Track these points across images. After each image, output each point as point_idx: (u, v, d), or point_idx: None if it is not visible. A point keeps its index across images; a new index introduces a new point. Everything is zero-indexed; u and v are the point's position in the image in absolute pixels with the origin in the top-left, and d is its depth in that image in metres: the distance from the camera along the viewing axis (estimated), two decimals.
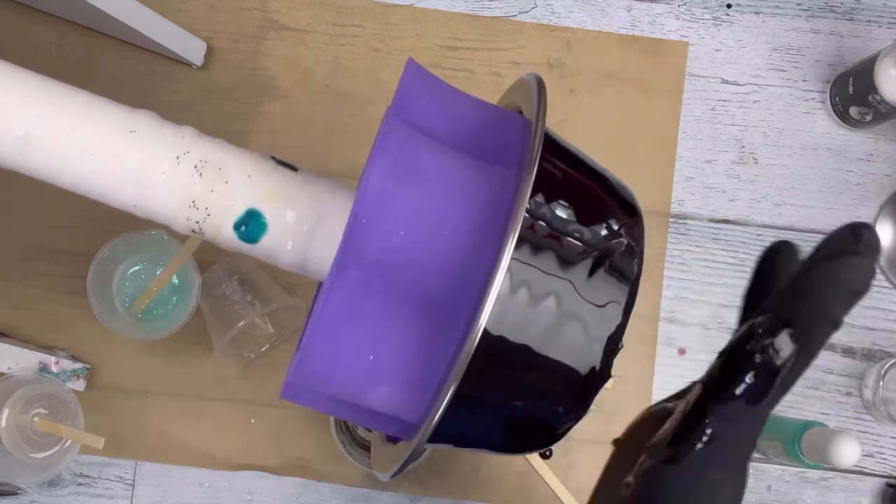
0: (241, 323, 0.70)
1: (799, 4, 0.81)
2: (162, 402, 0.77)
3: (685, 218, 0.79)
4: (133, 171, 0.36)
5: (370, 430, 0.68)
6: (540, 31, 0.80)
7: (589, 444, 0.76)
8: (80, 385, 0.76)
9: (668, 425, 0.33)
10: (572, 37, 0.80)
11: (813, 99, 0.80)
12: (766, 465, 0.78)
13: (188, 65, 0.78)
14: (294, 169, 0.39)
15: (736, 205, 0.80)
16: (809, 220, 0.80)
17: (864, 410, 0.78)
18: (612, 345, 0.34)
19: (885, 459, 0.78)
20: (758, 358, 0.31)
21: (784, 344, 0.31)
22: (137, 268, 0.75)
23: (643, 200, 0.38)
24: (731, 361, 0.32)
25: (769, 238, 0.79)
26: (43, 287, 0.77)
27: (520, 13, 0.80)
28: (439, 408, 0.32)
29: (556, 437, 0.37)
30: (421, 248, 0.33)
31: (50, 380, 0.73)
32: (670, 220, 0.79)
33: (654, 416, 0.35)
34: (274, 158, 0.39)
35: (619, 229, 0.35)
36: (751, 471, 0.81)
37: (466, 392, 0.32)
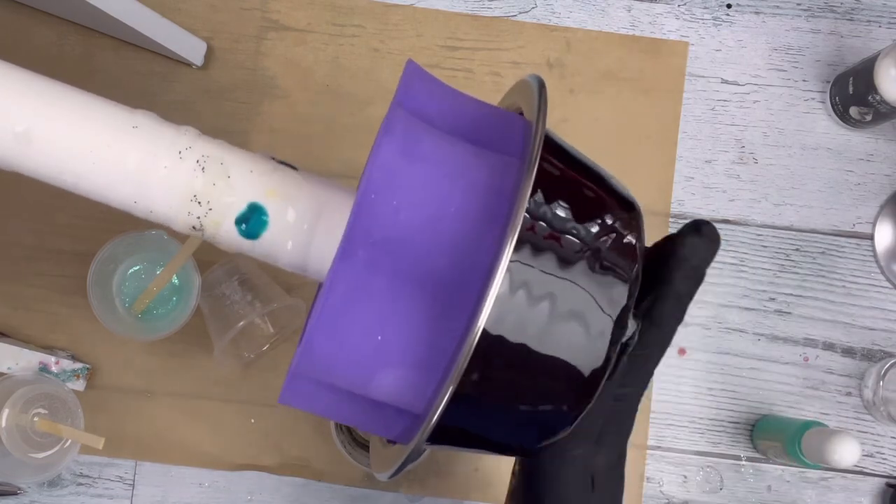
0: (241, 323, 0.70)
1: (799, 4, 0.81)
2: (162, 402, 0.77)
3: (685, 218, 0.79)
4: (134, 166, 0.36)
5: None
6: (540, 31, 0.80)
7: None
8: (80, 385, 0.76)
9: None
10: (572, 37, 0.80)
11: (813, 99, 0.80)
12: (766, 465, 0.78)
13: (188, 65, 0.78)
14: (294, 168, 0.39)
15: (736, 205, 0.80)
16: (809, 220, 0.80)
17: (864, 410, 0.78)
18: (615, 344, 0.34)
19: (885, 459, 0.78)
20: None
21: (629, 322, 0.35)
22: (137, 268, 0.75)
23: (643, 200, 0.38)
24: None
25: (769, 238, 0.79)
26: (43, 287, 0.77)
27: (520, 13, 0.80)
28: (438, 408, 0.32)
29: (557, 437, 0.37)
30: (428, 226, 0.34)
31: (50, 380, 0.73)
32: (670, 220, 0.79)
33: None
34: (274, 158, 0.39)
35: (618, 229, 0.35)
36: (751, 471, 0.81)
37: (465, 392, 0.32)
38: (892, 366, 0.75)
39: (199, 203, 0.37)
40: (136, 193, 0.37)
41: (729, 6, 0.81)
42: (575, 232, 0.34)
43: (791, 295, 0.79)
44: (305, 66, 0.79)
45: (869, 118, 0.76)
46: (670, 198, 0.79)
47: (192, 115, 0.78)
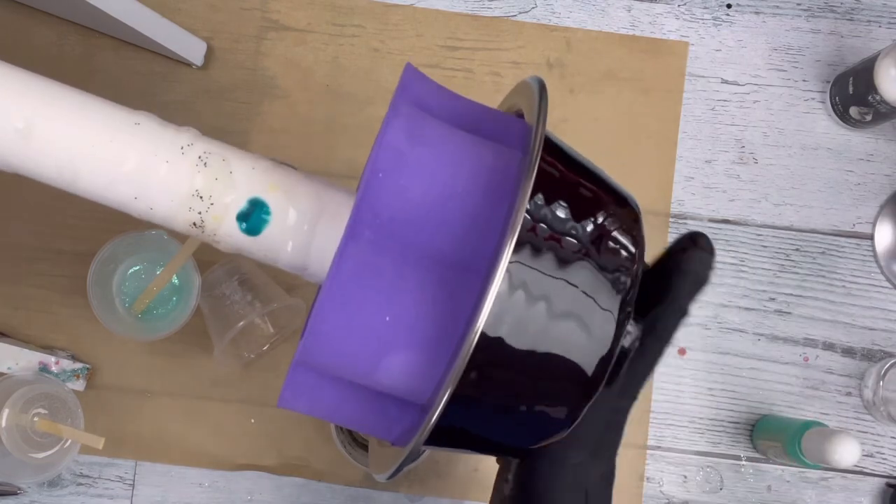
0: (241, 323, 0.70)
1: (799, 4, 0.81)
2: (162, 402, 0.77)
3: (685, 218, 0.80)
4: (135, 162, 0.36)
5: None
6: (540, 31, 0.80)
7: None
8: (80, 385, 0.76)
9: None
10: (572, 37, 0.80)
11: (813, 99, 0.80)
12: (766, 465, 0.78)
13: (188, 65, 0.78)
14: (294, 168, 0.39)
15: (736, 205, 0.80)
16: (809, 220, 0.80)
17: (864, 410, 0.78)
18: (615, 344, 0.34)
19: (885, 459, 0.78)
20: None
21: (630, 334, 0.35)
22: (137, 268, 0.75)
23: (643, 200, 0.38)
24: None
25: (769, 238, 0.79)
26: (43, 287, 0.77)
27: (520, 13, 0.80)
28: (437, 408, 0.32)
29: (556, 437, 0.37)
30: (435, 206, 0.34)
31: (50, 380, 0.73)
32: (670, 220, 0.79)
33: None
34: (274, 160, 0.39)
35: (618, 229, 0.35)
36: (751, 471, 0.81)
37: (465, 393, 0.32)
38: (892, 366, 0.75)
39: (201, 198, 0.37)
40: (137, 189, 0.37)
41: (729, 6, 0.81)
42: (575, 233, 0.34)
43: (791, 295, 0.79)
44: (305, 66, 0.79)
45: (869, 118, 0.76)
46: (670, 198, 0.79)
47: (192, 115, 0.78)
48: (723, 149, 0.80)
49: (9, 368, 0.74)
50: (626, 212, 0.36)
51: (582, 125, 0.80)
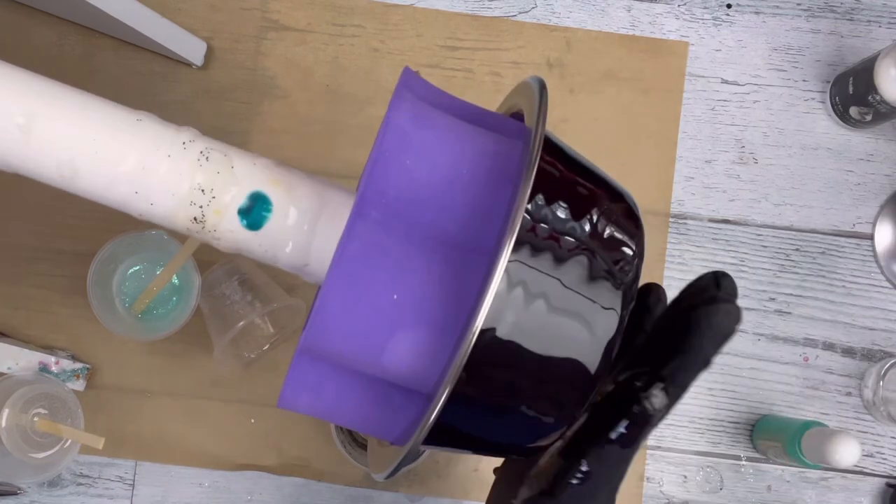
0: (241, 323, 0.70)
1: (799, 4, 0.81)
2: (162, 402, 0.77)
3: (685, 218, 0.80)
4: (136, 158, 0.36)
5: None
6: (540, 31, 0.80)
7: None
8: (80, 385, 0.76)
9: (548, 459, 0.37)
10: (572, 37, 0.80)
11: (813, 99, 0.80)
12: (766, 465, 0.78)
13: (188, 65, 0.78)
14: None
15: (736, 205, 0.80)
16: (809, 220, 0.80)
17: (864, 410, 0.78)
18: (612, 345, 0.34)
19: (885, 459, 0.78)
20: (635, 409, 0.34)
21: (658, 398, 0.35)
22: (137, 268, 0.75)
23: (643, 200, 0.39)
24: (610, 408, 0.35)
25: (769, 238, 0.79)
26: (43, 287, 0.77)
27: (520, 13, 0.80)
28: (435, 408, 0.32)
29: (554, 437, 0.37)
30: (439, 187, 0.34)
31: (50, 380, 0.73)
32: (670, 220, 0.79)
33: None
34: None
35: (617, 229, 0.35)
36: (751, 471, 0.81)
37: (463, 391, 0.32)
38: (892, 366, 0.75)
39: (203, 191, 0.37)
40: (138, 184, 0.36)
41: (729, 6, 0.81)
42: (574, 233, 0.34)
43: (791, 295, 0.79)
44: (305, 66, 0.79)
45: (869, 118, 0.76)
46: (670, 198, 0.79)
47: (192, 115, 0.78)
48: (723, 149, 0.80)
49: (9, 368, 0.74)
50: (625, 209, 0.36)
51: (582, 125, 0.80)
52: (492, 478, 0.42)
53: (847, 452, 0.66)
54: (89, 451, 0.76)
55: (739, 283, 0.79)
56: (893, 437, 0.78)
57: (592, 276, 0.34)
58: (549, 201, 0.34)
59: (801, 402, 0.79)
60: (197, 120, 0.78)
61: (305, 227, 0.37)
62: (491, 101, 0.42)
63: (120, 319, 0.73)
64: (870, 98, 0.73)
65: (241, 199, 0.37)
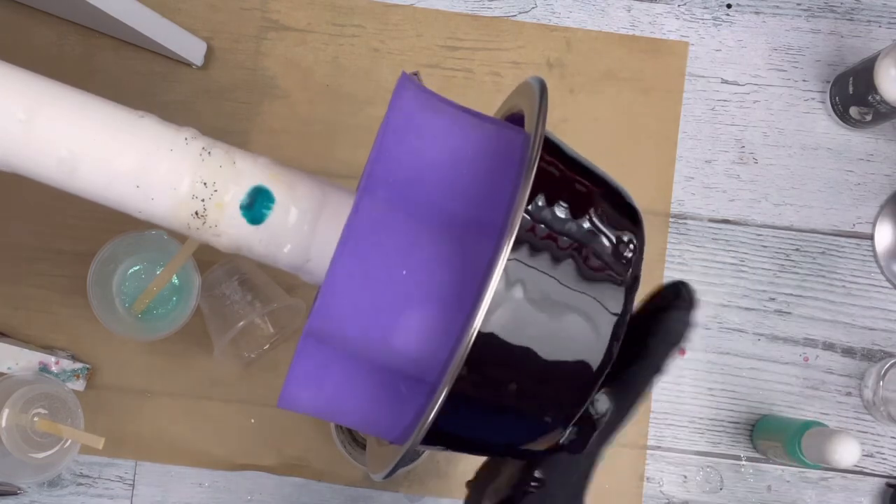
0: (241, 323, 0.70)
1: (799, 4, 0.81)
2: (162, 402, 0.77)
3: (685, 218, 0.80)
4: (137, 154, 0.36)
5: None
6: (540, 31, 0.80)
7: None
8: (80, 385, 0.76)
9: (507, 470, 0.39)
10: (572, 37, 0.80)
11: (813, 99, 0.80)
12: (766, 465, 0.78)
13: (188, 65, 0.78)
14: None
15: (736, 205, 0.80)
16: (809, 220, 0.80)
17: (864, 410, 0.78)
18: (615, 342, 0.34)
19: (885, 459, 0.78)
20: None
21: (600, 402, 0.36)
22: (137, 268, 0.75)
23: (643, 200, 0.39)
24: None
25: (769, 238, 0.79)
26: (43, 287, 0.77)
27: (520, 13, 0.80)
28: (434, 408, 0.32)
29: (551, 436, 0.37)
30: (445, 167, 0.35)
31: (50, 380, 0.73)
32: (670, 220, 0.79)
33: (497, 461, 0.42)
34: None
35: (618, 229, 0.35)
36: (751, 471, 0.81)
37: (461, 391, 0.32)
38: (892, 366, 0.75)
39: (205, 184, 0.37)
40: (139, 178, 0.36)
41: (729, 6, 0.81)
42: (573, 231, 0.34)
43: (791, 295, 0.79)
44: (305, 66, 0.79)
45: (869, 118, 0.76)
46: (670, 198, 0.79)
47: (192, 115, 0.78)
48: (723, 149, 0.80)
49: (9, 368, 0.74)
50: (624, 208, 0.36)
51: (582, 125, 0.80)
52: None
53: (847, 452, 0.66)
54: (89, 451, 0.76)
55: (739, 283, 0.79)
56: (893, 437, 0.78)
57: (593, 275, 0.34)
58: (550, 201, 0.34)
59: (801, 402, 0.79)
60: (197, 120, 0.78)
61: (306, 227, 0.37)
62: (491, 101, 0.42)
63: (120, 319, 0.73)
64: (870, 98, 0.73)
65: (242, 194, 0.37)
